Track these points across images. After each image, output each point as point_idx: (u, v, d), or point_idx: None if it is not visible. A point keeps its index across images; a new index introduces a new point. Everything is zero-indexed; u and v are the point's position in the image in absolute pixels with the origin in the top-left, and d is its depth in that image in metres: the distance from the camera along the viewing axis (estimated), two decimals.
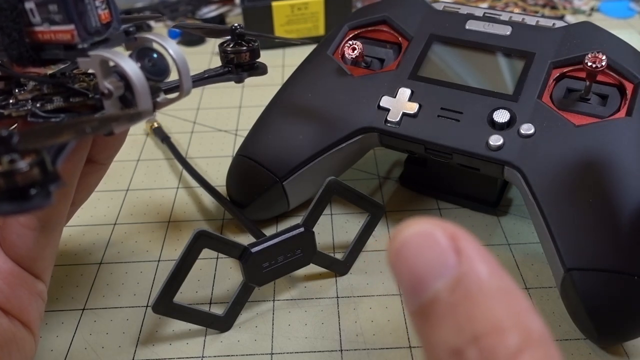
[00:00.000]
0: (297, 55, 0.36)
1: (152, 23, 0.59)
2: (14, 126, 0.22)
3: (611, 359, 0.25)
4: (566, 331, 0.27)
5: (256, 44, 0.25)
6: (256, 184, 0.31)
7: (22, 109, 0.21)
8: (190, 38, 0.55)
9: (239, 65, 0.25)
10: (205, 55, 0.53)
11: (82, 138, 0.20)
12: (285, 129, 0.31)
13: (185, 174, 0.37)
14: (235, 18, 0.59)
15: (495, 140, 0.28)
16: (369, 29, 0.34)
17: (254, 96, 0.46)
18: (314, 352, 0.26)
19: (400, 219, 0.33)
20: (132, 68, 0.18)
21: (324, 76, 0.32)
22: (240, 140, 0.34)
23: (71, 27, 0.18)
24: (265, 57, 0.55)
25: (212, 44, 0.55)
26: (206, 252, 0.25)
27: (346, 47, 0.32)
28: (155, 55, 0.20)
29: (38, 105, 0.21)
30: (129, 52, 0.20)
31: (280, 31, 0.52)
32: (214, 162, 0.39)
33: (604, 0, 0.60)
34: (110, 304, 0.29)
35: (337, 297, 0.29)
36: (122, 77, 0.19)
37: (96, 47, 0.19)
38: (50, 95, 0.21)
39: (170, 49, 0.20)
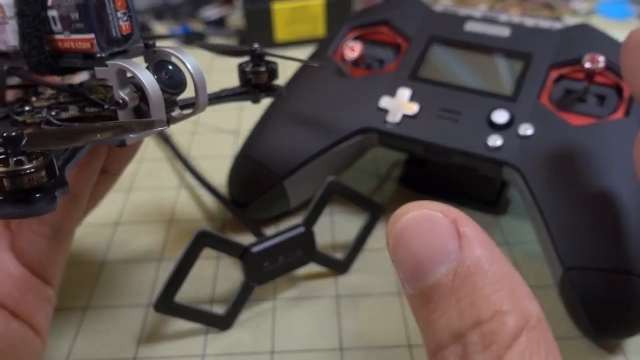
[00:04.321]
0: (298, 57, 0.36)
1: (153, 25, 0.59)
2: None
3: (609, 358, 0.26)
4: (565, 330, 0.27)
5: (275, 65, 0.25)
6: (257, 184, 0.32)
7: (36, 116, 0.21)
8: (191, 38, 0.55)
9: (257, 85, 0.25)
10: (206, 55, 0.53)
11: (92, 144, 0.20)
12: (286, 129, 0.32)
13: (187, 174, 0.37)
14: (236, 20, 0.59)
15: (494, 140, 0.28)
16: (369, 30, 0.34)
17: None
18: (314, 350, 0.26)
19: None
20: (148, 79, 0.18)
21: (324, 77, 0.32)
22: (241, 140, 0.34)
23: (91, 36, 0.19)
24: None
25: None
26: (207, 252, 0.25)
27: (346, 48, 0.32)
28: (172, 68, 0.20)
29: (53, 113, 0.21)
30: (146, 64, 0.20)
31: (280, 33, 0.53)
32: (215, 162, 0.39)
33: (602, 2, 0.60)
34: (112, 303, 0.29)
35: (337, 296, 0.29)
36: (138, 88, 0.19)
37: (114, 57, 0.19)
38: (66, 104, 0.21)
39: (188, 63, 0.20)
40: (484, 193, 0.34)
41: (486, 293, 0.12)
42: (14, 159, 0.14)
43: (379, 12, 0.34)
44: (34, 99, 0.22)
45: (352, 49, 0.32)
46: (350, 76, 0.32)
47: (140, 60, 0.20)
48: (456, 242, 0.12)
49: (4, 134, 0.14)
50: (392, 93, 0.31)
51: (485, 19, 0.32)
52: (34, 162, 0.14)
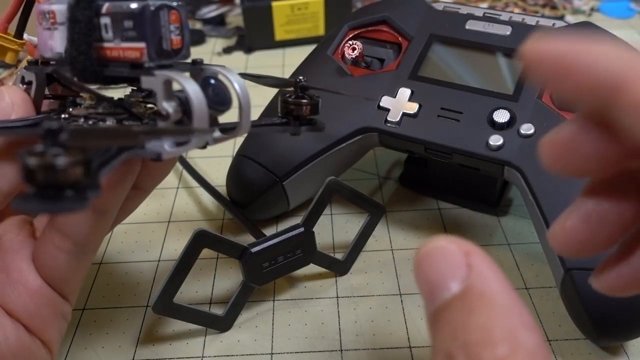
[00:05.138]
0: (297, 55, 0.36)
1: None
2: None
3: (611, 359, 0.26)
4: (566, 331, 0.27)
5: (318, 98, 0.25)
6: (256, 184, 0.31)
7: (73, 124, 0.20)
8: (191, 38, 0.55)
9: (297, 117, 0.25)
10: (206, 56, 0.53)
11: (130, 156, 0.19)
12: None
13: (186, 174, 0.37)
14: (235, 18, 0.59)
15: (496, 140, 0.28)
16: (369, 28, 0.34)
17: (254, 96, 0.46)
18: (314, 352, 0.26)
19: (400, 219, 0.33)
20: (195, 90, 0.18)
21: (324, 76, 0.32)
22: (240, 140, 0.34)
23: (142, 45, 0.19)
24: (266, 57, 0.54)
25: (212, 45, 0.55)
26: (206, 252, 0.25)
27: (346, 47, 0.32)
28: (218, 86, 0.20)
29: (90, 123, 0.20)
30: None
31: (280, 31, 0.52)
32: (214, 162, 0.39)
33: (604, 1, 0.60)
34: (110, 304, 0.29)
35: (337, 297, 0.29)
36: (183, 103, 0.18)
37: (161, 70, 0.19)
38: (104, 115, 0.21)
39: (236, 83, 0.20)
40: (485, 193, 0.33)
41: (480, 319, 0.13)
42: (51, 153, 0.14)
43: (379, 10, 0.34)
44: (71, 109, 0.22)
45: (352, 48, 0.32)
46: (350, 75, 0.32)
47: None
48: (464, 271, 0.14)
49: (45, 127, 0.14)
50: (392, 92, 0.30)
51: (486, 18, 0.32)
52: (71, 157, 0.14)
